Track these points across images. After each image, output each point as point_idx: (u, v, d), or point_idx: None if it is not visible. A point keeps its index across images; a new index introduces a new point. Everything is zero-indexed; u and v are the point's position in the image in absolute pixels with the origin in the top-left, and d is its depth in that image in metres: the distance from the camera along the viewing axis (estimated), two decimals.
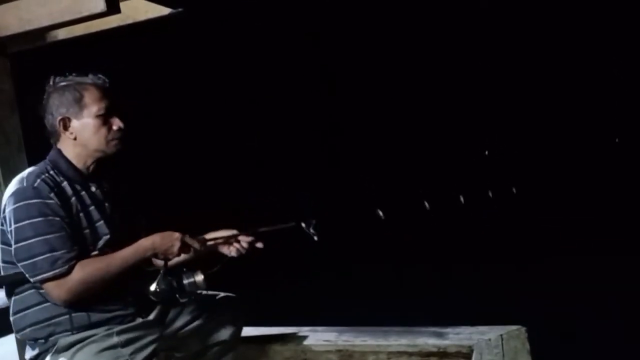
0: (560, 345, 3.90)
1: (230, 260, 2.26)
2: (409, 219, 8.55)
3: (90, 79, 2.11)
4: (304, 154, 10.52)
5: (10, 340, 3.05)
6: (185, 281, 2.08)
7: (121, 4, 2.36)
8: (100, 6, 2.26)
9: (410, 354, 2.75)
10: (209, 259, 2.26)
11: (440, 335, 2.81)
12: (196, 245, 2.13)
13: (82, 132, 2.07)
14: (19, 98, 2.76)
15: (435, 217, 8.56)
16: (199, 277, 2.09)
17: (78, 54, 3.41)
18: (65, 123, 2.07)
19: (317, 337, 2.94)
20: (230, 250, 2.25)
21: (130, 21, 2.75)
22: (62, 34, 2.83)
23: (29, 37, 2.63)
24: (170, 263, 2.12)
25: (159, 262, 2.15)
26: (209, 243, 2.22)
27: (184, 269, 2.12)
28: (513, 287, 5.40)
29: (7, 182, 2.64)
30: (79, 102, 2.06)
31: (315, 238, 2.18)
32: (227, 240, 2.25)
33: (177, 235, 2.08)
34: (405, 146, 10.87)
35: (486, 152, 9.88)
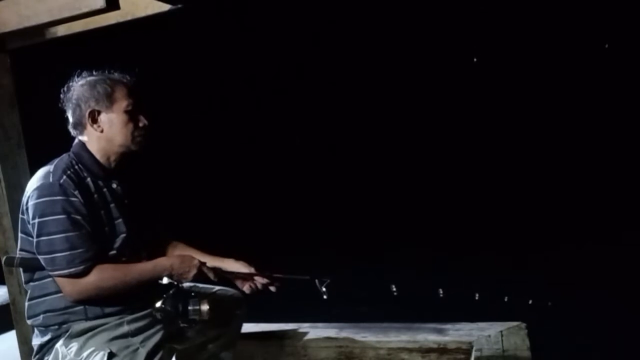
0: (560, 341, 3.90)
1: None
2: (408, 215, 8.54)
3: (118, 76, 2.15)
4: (305, 152, 10.52)
5: (10, 336, 3.06)
6: (190, 307, 2.11)
7: (120, 0, 2.35)
8: (100, 2, 2.25)
9: (411, 350, 2.77)
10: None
11: (440, 332, 2.83)
12: (211, 275, 2.18)
13: (110, 126, 2.10)
14: (18, 94, 2.76)
15: (434, 214, 8.55)
16: (205, 307, 2.11)
17: (77, 50, 3.41)
18: (94, 116, 2.10)
19: (317, 333, 2.95)
20: (244, 286, 2.32)
21: (129, 17, 2.74)
22: (61, 30, 2.82)
23: (28, 33, 2.62)
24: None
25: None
26: (225, 275, 2.27)
27: (192, 294, 2.15)
28: (513, 282, 5.38)
29: (7, 178, 2.66)
30: (110, 97, 2.09)
31: (325, 297, 2.22)
32: (243, 277, 2.31)
33: (196, 262, 2.14)
34: (404, 145, 10.88)
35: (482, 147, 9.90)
